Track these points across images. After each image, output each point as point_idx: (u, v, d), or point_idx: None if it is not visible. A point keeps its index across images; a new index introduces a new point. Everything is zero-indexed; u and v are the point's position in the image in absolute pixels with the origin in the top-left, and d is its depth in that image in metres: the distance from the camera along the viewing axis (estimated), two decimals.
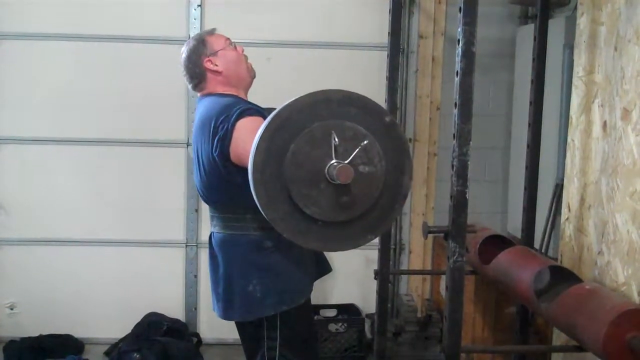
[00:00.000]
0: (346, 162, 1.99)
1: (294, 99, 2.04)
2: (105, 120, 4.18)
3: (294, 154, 2.01)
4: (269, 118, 2.04)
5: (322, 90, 2.05)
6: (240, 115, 2.36)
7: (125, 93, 4.17)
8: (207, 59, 2.58)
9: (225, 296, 2.52)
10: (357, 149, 2.01)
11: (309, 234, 2.09)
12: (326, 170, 2.00)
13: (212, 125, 2.40)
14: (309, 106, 2.03)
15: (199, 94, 2.66)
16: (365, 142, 2.02)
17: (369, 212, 2.10)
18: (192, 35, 3.95)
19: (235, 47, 2.65)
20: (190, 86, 2.67)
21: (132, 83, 4.16)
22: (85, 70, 4.15)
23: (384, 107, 2.98)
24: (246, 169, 2.10)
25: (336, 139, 2.00)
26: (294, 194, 2.02)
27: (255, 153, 2.02)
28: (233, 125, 2.34)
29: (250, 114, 2.38)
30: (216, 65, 2.57)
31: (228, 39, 2.66)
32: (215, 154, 2.38)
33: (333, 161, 2.00)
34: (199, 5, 4.13)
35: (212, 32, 2.68)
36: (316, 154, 2.01)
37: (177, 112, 4.19)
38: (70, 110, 4.16)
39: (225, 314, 2.55)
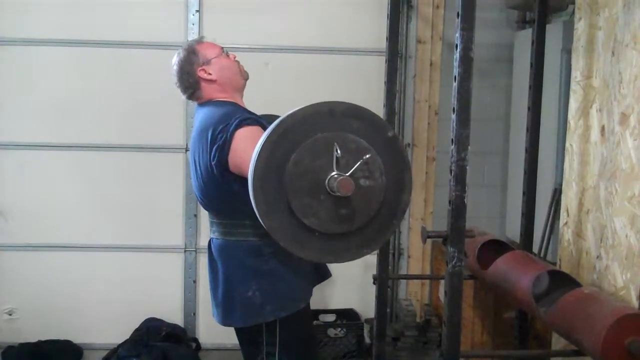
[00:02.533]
0: (347, 174, 1.99)
1: (297, 108, 2.04)
2: (104, 126, 4.18)
3: (295, 164, 2.01)
4: (271, 127, 2.04)
5: (326, 102, 2.04)
6: (239, 125, 2.36)
7: (123, 98, 4.17)
8: (200, 68, 2.57)
9: (225, 302, 2.52)
10: (359, 162, 2.01)
11: (306, 245, 2.09)
12: (327, 181, 2.00)
13: (211, 134, 2.40)
14: (312, 117, 2.03)
15: (197, 103, 2.66)
16: (368, 155, 2.02)
17: (367, 226, 2.10)
18: (190, 40, 3.96)
19: (228, 54, 2.65)
20: (184, 96, 2.66)
21: (130, 88, 4.16)
22: (84, 76, 4.15)
23: (383, 111, 2.99)
24: (244, 178, 2.10)
25: (338, 151, 1.99)
26: (293, 204, 2.02)
27: (256, 162, 2.02)
28: (232, 135, 2.34)
29: (249, 124, 2.38)
30: (210, 74, 2.57)
31: (221, 47, 2.66)
32: (213, 163, 2.39)
33: (334, 173, 2.00)
34: (197, 11, 4.13)
35: (201, 40, 2.68)
36: (317, 165, 2.01)
37: (176, 117, 4.19)
38: (69, 116, 4.16)
39: (225, 320, 2.55)
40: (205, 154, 2.42)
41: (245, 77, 2.67)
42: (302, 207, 2.03)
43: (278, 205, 2.05)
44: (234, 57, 2.67)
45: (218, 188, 2.45)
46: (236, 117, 2.39)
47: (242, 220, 2.44)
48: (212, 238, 2.61)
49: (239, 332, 2.67)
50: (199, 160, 2.49)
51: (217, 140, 2.38)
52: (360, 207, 2.06)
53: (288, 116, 2.03)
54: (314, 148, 2.01)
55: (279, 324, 2.46)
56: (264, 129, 2.19)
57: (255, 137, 2.11)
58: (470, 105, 1.99)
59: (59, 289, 4.23)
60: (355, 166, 2.00)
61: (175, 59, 2.62)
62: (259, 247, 2.44)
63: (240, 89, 2.66)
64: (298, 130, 2.02)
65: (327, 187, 2.00)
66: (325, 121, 2.03)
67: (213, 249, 2.59)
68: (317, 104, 2.04)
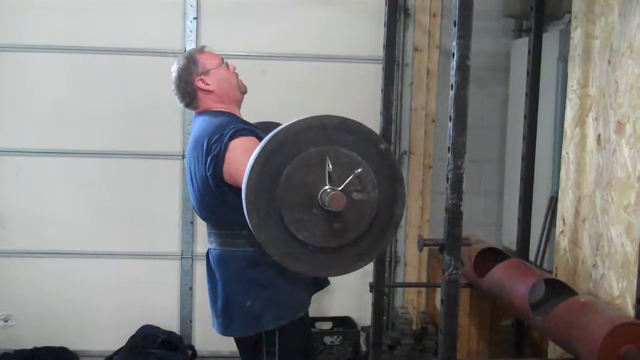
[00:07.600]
0: (339, 189, 1.99)
1: (289, 122, 2.04)
2: (101, 132, 4.19)
3: (288, 178, 2.01)
4: (264, 140, 2.04)
5: (318, 116, 2.05)
6: (233, 136, 2.36)
7: (121, 105, 4.17)
8: (198, 77, 2.57)
9: (224, 312, 2.52)
10: (351, 176, 2.01)
11: (299, 258, 2.09)
12: (319, 196, 2.01)
13: (206, 144, 2.40)
14: (304, 131, 2.03)
15: (194, 112, 2.66)
16: (360, 169, 2.02)
17: (361, 239, 2.10)
18: (188, 47, 3.97)
19: (228, 66, 2.65)
20: (182, 104, 2.66)
21: (128, 95, 4.17)
22: (82, 82, 4.16)
23: (380, 119, 3.00)
24: (239, 188, 2.10)
25: (330, 165, 2.00)
26: (286, 218, 2.02)
27: (249, 175, 2.02)
28: (226, 146, 2.35)
29: (244, 134, 2.38)
30: (207, 84, 2.57)
31: (222, 58, 2.66)
32: (208, 174, 2.39)
33: (326, 187, 2.00)
34: (194, 18, 4.14)
35: (202, 50, 2.67)
36: (310, 179, 2.01)
37: (173, 124, 4.20)
38: (67, 122, 4.16)
39: (225, 330, 2.55)
40: (201, 164, 2.42)
41: (243, 90, 2.66)
42: (295, 222, 2.03)
43: (271, 219, 2.04)
44: (234, 69, 2.66)
45: (214, 199, 2.45)
46: (231, 127, 2.39)
47: (239, 230, 2.43)
48: (210, 249, 2.61)
49: (239, 342, 2.67)
50: (195, 171, 2.49)
51: (211, 151, 2.38)
52: (353, 221, 2.06)
53: (281, 130, 2.03)
54: (307, 162, 2.01)
55: (278, 333, 2.46)
56: (259, 139, 2.19)
57: (250, 148, 2.11)
58: (467, 113, 1.99)
59: (55, 296, 4.23)
60: (347, 180, 2.01)
61: (175, 66, 2.62)
62: (257, 257, 2.42)
63: (238, 101, 2.66)
64: (291, 145, 2.02)
65: (319, 202, 2.01)
66: (318, 135, 2.03)
67: (211, 260, 2.58)
68: (310, 117, 2.04)
